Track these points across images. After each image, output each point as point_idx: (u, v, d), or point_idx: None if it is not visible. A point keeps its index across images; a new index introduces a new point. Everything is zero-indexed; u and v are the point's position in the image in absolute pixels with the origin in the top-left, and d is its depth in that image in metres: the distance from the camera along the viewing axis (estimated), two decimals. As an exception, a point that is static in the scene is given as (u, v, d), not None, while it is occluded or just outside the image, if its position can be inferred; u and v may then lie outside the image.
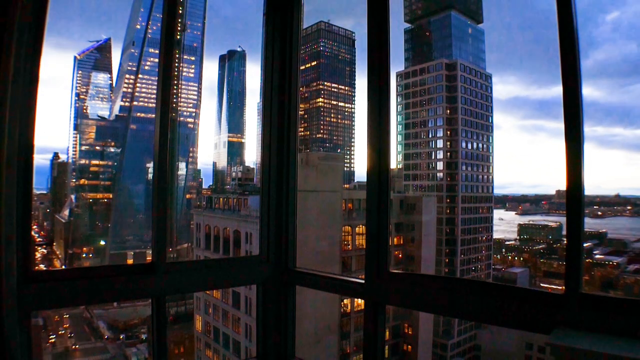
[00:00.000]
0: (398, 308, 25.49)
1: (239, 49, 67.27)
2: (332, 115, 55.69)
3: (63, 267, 45.88)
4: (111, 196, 51.93)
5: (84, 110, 54.69)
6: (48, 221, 53.93)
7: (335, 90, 55.49)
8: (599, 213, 37.77)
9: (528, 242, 38.15)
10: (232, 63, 66.69)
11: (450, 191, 34.82)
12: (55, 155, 54.12)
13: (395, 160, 38.01)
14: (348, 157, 56.00)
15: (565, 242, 2.59)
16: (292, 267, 4.20)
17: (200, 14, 58.24)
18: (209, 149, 67.10)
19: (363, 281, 3.49)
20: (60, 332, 38.34)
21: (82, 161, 52.56)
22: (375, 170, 3.40)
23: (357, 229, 27.66)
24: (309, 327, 22.97)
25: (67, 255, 48.18)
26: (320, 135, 55.24)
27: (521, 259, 37.70)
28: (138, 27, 55.15)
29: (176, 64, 54.52)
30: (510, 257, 38.32)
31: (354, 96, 56.69)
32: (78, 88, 55.19)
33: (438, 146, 36.38)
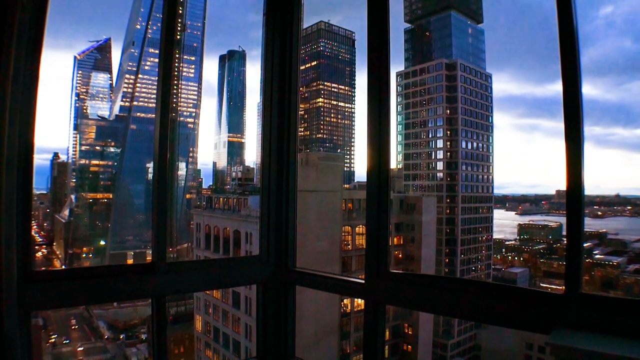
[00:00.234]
0: (398, 308, 25.50)
1: (239, 49, 67.29)
2: (332, 115, 55.68)
3: (63, 267, 45.88)
4: (111, 196, 51.93)
5: (84, 110, 54.70)
6: (48, 221, 53.93)
7: (335, 90, 55.48)
8: (599, 213, 37.77)
9: (528, 242, 38.15)
10: (232, 63, 66.69)
11: (450, 191, 34.81)
12: (55, 155, 54.15)
13: (395, 160, 38.01)
14: (348, 157, 56.00)
15: (565, 242, 2.59)
16: (292, 267, 4.20)
17: (200, 14, 58.26)
18: (209, 149, 67.16)
19: (363, 281, 3.49)
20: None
21: (82, 161, 52.57)
22: (375, 170, 3.41)
23: (357, 229, 27.65)
24: (309, 327, 22.97)
25: (67, 255, 48.17)
26: (320, 135, 55.23)
27: (521, 259, 37.69)
28: (138, 27, 55.16)
29: (176, 64, 54.53)
30: (510, 257, 38.32)
31: (354, 96, 56.70)
32: (78, 88, 55.20)
33: (438, 146, 36.37)
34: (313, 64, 53.55)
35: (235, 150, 65.57)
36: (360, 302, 23.17)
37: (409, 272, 6.90)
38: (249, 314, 26.28)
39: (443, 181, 35.17)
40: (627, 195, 38.82)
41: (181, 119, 55.92)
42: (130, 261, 45.88)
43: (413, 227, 30.61)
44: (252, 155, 65.15)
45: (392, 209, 21.52)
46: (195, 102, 57.86)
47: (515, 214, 42.53)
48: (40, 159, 48.78)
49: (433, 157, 36.39)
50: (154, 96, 49.62)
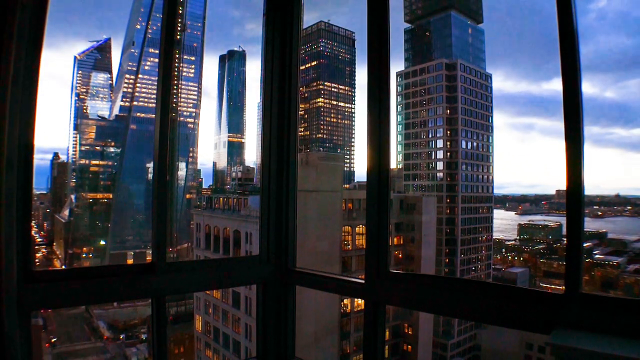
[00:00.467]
0: (398, 308, 25.50)
1: (239, 49, 67.29)
2: (332, 115, 55.66)
3: (63, 267, 45.88)
4: (111, 196, 51.93)
5: (84, 110, 54.70)
6: (48, 221, 53.93)
7: (335, 90, 55.47)
8: (599, 213, 37.76)
9: (528, 242, 38.14)
10: (232, 63, 66.68)
11: (450, 191, 34.81)
12: (55, 155, 54.15)
13: (395, 160, 38.00)
14: (348, 157, 55.98)
15: (565, 242, 2.59)
16: (292, 267, 4.20)
17: (200, 14, 58.25)
18: (209, 149, 67.14)
19: (363, 281, 3.49)
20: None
21: (82, 161, 52.56)
22: (375, 170, 3.41)
23: (357, 229, 27.65)
24: (309, 327, 22.96)
25: (67, 255, 48.18)
26: (320, 135, 55.21)
27: (521, 259, 37.69)
28: (138, 27, 55.15)
29: (176, 64, 54.52)
30: (510, 257, 38.31)
31: (354, 96, 56.68)
32: (78, 88, 55.20)
33: (438, 146, 36.37)
34: (313, 64, 53.54)
35: (235, 150, 65.58)
36: (360, 302, 23.18)
37: (409, 272, 6.90)
38: (249, 314, 26.28)
39: (443, 181, 35.17)
40: (627, 195, 38.81)
41: (181, 119, 55.91)
42: (130, 261, 45.90)
43: (413, 227, 30.61)
44: (252, 155, 65.17)
45: (392, 209, 21.49)
46: (195, 102, 57.87)
47: (515, 214, 42.53)
48: (40, 159, 48.83)
49: (433, 157, 36.39)
50: (154, 96, 49.63)
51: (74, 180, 52.16)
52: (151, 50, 54.26)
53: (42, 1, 2.91)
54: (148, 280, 3.40)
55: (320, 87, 54.73)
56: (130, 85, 55.00)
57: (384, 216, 3.40)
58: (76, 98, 54.76)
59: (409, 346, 30.26)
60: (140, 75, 54.68)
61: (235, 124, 66.56)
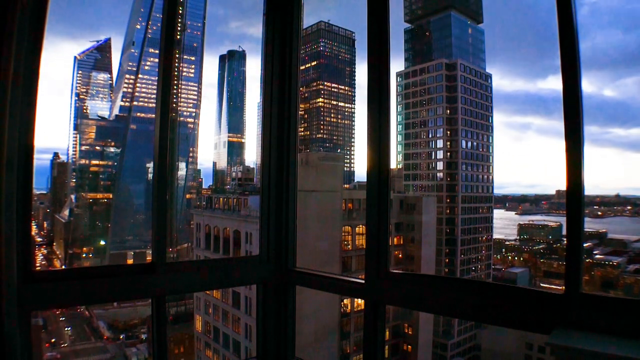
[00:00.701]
0: (398, 308, 25.50)
1: (239, 49, 67.28)
2: (332, 115, 55.64)
3: (63, 267, 45.88)
4: (111, 196, 51.92)
5: (84, 110, 54.69)
6: (48, 221, 53.92)
7: (335, 90, 55.44)
8: (599, 213, 37.74)
9: (528, 242, 38.13)
10: (232, 63, 66.65)
11: (450, 191, 34.80)
12: (55, 155, 54.13)
13: (395, 160, 37.97)
14: (348, 157, 55.96)
15: (565, 242, 2.59)
16: (292, 267, 4.20)
17: (200, 14, 58.24)
18: (209, 149, 67.10)
19: (363, 281, 3.49)
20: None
21: (82, 161, 52.55)
22: (375, 170, 3.41)
23: (357, 229, 27.65)
24: (309, 327, 22.95)
25: (67, 255, 48.17)
26: (320, 135, 55.19)
27: (521, 259, 37.67)
28: (138, 27, 55.14)
29: (176, 64, 54.51)
30: (510, 257, 38.30)
31: (354, 96, 56.65)
32: (78, 88, 55.19)
33: (438, 146, 36.36)
34: (313, 64, 53.52)
35: (235, 150, 65.56)
36: (360, 302, 23.17)
37: (409, 272, 6.90)
38: (249, 314, 26.27)
39: (443, 181, 35.15)
40: (627, 195, 38.78)
41: (181, 119, 55.90)
42: (130, 261, 45.89)
43: (413, 227, 30.60)
44: (252, 155, 65.12)
45: (392, 209, 21.51)
46: (195, 102, 57.86)
47: (515, 214, 42.52)
48: (40, 159, 48.79)
49: (433, 157, 36.37)
50: (154, 96, 49.64)
51: (74, 180, 52.15)
52: (151, 50, 54.24)
53: (42, 1, 2.91)
54: (148, 280, 3.40)
55: (320, 87, 54.71)
56: (130, 85, 55.00)
57: (384, 216, 3.40)
58: (76, 98, 54.77)
59: (409, 346, 30.25)
60: (140, 75, 54.67)
61: (235, 124, 66.55)
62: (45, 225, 54.04)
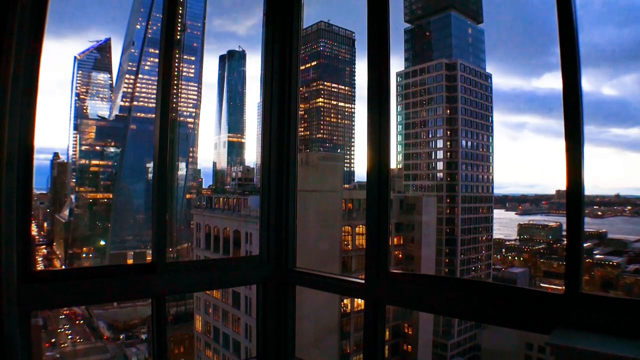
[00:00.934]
0: (398, 308, 25.50)
1: (239, 49, 67.26)
2: (332, 115, 55.60)
3: (63, 267, 45.88)
4: (111, 196, 51.91)
5: (84, 110, 54.66)
6: (48, 221, 53.91)
7: (335, 90, 55.41)
8: (599, 213, 37.72)
9: (528, 242, 38.12)
10: (232, 63, 66.61)
11: (450, 191, 34.79)
12: (55, 155, 54.08)
13: (395, 160, 37.95)
14: (348, 157, 55.92)
15: (565, 242, 2.59)
16: (292, 267, 4.20)
17: (200, 14, 58.22)
18: (209, 149, 67.00)
19: (363, 281, 3.49)
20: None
21: (82, 161, 52.52)
22: (375, 170, 3.41)
23: (357, 229, 27.64)
24: (309, 327, 22.96)
25: (67, 255, 48.16)
26: (320, 135, 55.15)
27: (521, 259, 37.66)
28: (138, 27, 55.12)
29: (176, 64, 54.50)
30: (510, 257, 38.29)
31: (354, 96, 56.60)
32: (78, 88, 55.16)
33: (438, 146, 36.35)
34: (313, 64, 53.48)
35: (235, 150, 65.50)
36: (360, 302, 23.16)
37: (409, 272, 6.91)
38: (249, 314, 26.27)
39: (443, 181, 35.15)
40: (627, 195, 38.76)
41: (181, 119, 55.86)
42: (130, 261, 45.89)
43: (413, 227, 30.60)
44: (252, 155, 65.03)
45: (392, 209, 21.52)
46: (195, 102, 57.82)
47: (515, 214, 42.52)
48: (40, 159, 48.72)
49: (433, 157, 36.37)
50: (154, 96, 49.63)
51: (74, 180, 52.13)
52: (151, 50, 54.21)
53: (42, 1, 2.91)
54: (148, 280, 3.40)
55: (320, 87, 54.68)
56: (130, 85, 54.97)
57: (384, 216, 3.40)
58: (76, 98, 54.73)
59: (409, 346, 30.25)
60: (140, 75, 54.65)
61: (235, 124, 66.51)
62: (45, 225, 54.02)
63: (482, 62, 38.52)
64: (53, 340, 37.48)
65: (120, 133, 53.75)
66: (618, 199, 38.56)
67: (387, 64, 3.47)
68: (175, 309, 36.34)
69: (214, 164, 64.48)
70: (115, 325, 39.75)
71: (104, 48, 57.89)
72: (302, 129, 53.60)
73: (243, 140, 66.48)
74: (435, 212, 32.90)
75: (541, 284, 33.57)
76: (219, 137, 66.35)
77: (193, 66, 57.87)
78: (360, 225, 27.11)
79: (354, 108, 56.90)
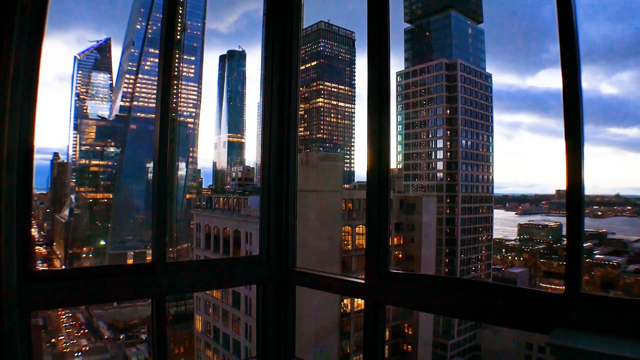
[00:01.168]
0: (398, 308, 25.50)
1: (239, 49, 67.29)
2: (332, 115, 55.65)
3: (63, 267, 45.88)
4: (111, 196, 51.93)
5: (84, 110, 54.70)
6: (48, 221, 53.92)
7: (335, 90, 55.46)
8: (599, 213, 37.74)
9: (528, 242, 38.13)
10: (232, 63, 66.67)
11: (450, 191, 34.81)
12: (55, 155, 54.13)
13: (395, 160, 37.99)
14: (348, 157, 55.96)
15: (565, 242, 2.59)
16: (292, 267, 4.19)
17: (200, 14, 58.24)
18: (209, 149, 67.10)
19: (363, 281, 3.49)
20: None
21: (82, 161, 52.56)
22: (375, 170, 3.40)
23: (357, 229, 27.65)
24: (309, 327, 22.96)
25: (67, 255, 48.18)
26: (320, 135, 55.20)
27: (521, 259, 37.68)
28: (138, 27, 55.15)
29: (176, 64, 54.50)
30: (510, 257, 38.31)
31: (354, 96, 56.67)
32: (78, 88, 55.21)
33: (438, 146, 36.38)
34: (313, 64, 53.52)
35: (235, 150, 65.56)
36: (360, 302, 23.17)
37: (409, 272, 6.90)
38: (249, 314, 26.28)
39: (443, 181, 35.17)
40: (627, 195, 38.77)
41: (181, 119, 55.89)
42: (130, 261, 45.90)
43: (413, 227, 30.60)
44: (252, 155, 65.12)
45: (392, 209, 21.52)
46: (195, 102, 57.85)
47: (515, 214, 42.53)
48: (40, 159, 48.79)
49: (433, 157, 36.39)
50: (154, 96, 49.61)
51: (74, 180, 52.15)
52: (151, 50, 54.25)
53: (42, 1, 2.91)
54: (148, 280, 3.40)
55: (320, 87, 54.71)
56: (130, 85, 55.00)
57: (384, 216, 3.40)
58: (76, 98, 54.78)
59: (409, 346, 30.25)
60: (140, 75, 54.68)
61: (235, 124, 66.56)
62: (45, 225, 54.05)
63: (482, 62, 38.55)
64: (53, 340, 37.50)
65: (120, 133, 53.79)
66: (618, 199, 38.57)
67: (387, 64, 3.46)
68: (175, 309, 36.35)
69: (214, 164, 64.55)
70: (115, 325, 39.77)
71: (104, 48, 57.95)
72: (302, 129, 53.62)
73: (243, 140, 66.56)
74: (435, 212, 32.91)
75: (541, 284, 33.59)
76: (219, 137, 66.41)
77: (193, 66, 57.90)
78: (360, 225, 27.11)
79: (354, 108, 56.97)
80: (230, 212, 29.12)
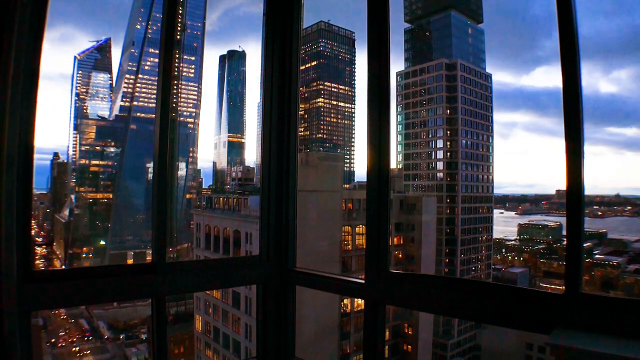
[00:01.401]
0: (398, 308, 25.50)
1: (239, 49, 67.27)
2: (332, 115, 55.61)
3: (63, 267, 45.88)
4: (111, 196, 51.91)
5: (84, 110, 54.66)
6: (48, 221, 53.91)
7: (335, 90, 55.41)
8: (599, 213, 37.71)
9: (528, 242, 38.12)
10: (232, 63, 66.62)
11: (450, 191, 34.80)
12: (55, 155, 54.09)
13: (395, 160, 37.96)
14: (348, 157, 55.92)
15: (565, 242, 2.59)
16: (292, 267, 4.20)
17: (200, 14, 58.22)
18: (209, 149, 67.01)
19: (363, 281, 3.49)
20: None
21: (82, 161, 52.53)
22: (375, 170, 3.41)
23: (357, 229, 27.64)
24: (309, 327, 22.95)
25: (67, 255, 48.16)
26: (320, 135, 55.16)
27: (521, 259, 37.67)
28: (138, 27, 55.12)
29: (176, 64, 54.48)
30: (510, 257, 38.30)
31: (354, 96, 56.60)
32: (78, 88, 55.16)
33: (438, 146, 36.36)
34: (313, 64, 53.48)
35: (235, 150, 65.51)
36: (360, 302, 23.16)
37: (409, 272, 6.90)
38: (249, 314, 26.27)
39: (443, 181, 35.16)
40: (627, 195, 38.74)
41: (181, 119, 55.86)
42: (130, 261, 45.89)
43: (413, 227, 30.59)
44: (252, 155, 65.04)
45: (392, 209, 21.52)
46: (195, 102, 57.82)
47: (515, 214, 42.52)
48: (40, 159, 48.73)
49: (433, 157, 36.38)
50: (154, 96, 49.64)
51: (74, 180, 52.13)
52: (151, 50, 54.20)
53: (42, 1, 2.91)
54: (148, 280, 3.40)
55: (320, 87, 54.68)
56: (130, 85, 54.98)
57: (384, 216, 3.40)
58: (76, 98, 54.73)
59: (409, 346, 30.25)
60: (140, 75, 54.65)
61: (235, 124, 66.50)
62: (45, 225, 54.03)
63: (482, 62, 38.53)
64: (53, 340, 37.49)
65: (120, 133, 53.76)
66: (618, 199, 38.55)
67: (387, 64, 3.46)
68: (175, 309, 36.34)
69: (214, 164, 64.50)
70: (115, 325, 39.75)
71: (104, 48, 57.90)
72: (302, 129, 53.59)
73: (243, 140, 66.50)
74: (435, 212, 32.90)
75: (541, 284, 33.57)
76: (219, 137, 66.36)
77: (193, 66, 57.87)
78: (360, 225, 27.11)
79: (354, 108, 56.90)
80: (230, 212, 29.12)
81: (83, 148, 52.91)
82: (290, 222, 4.23)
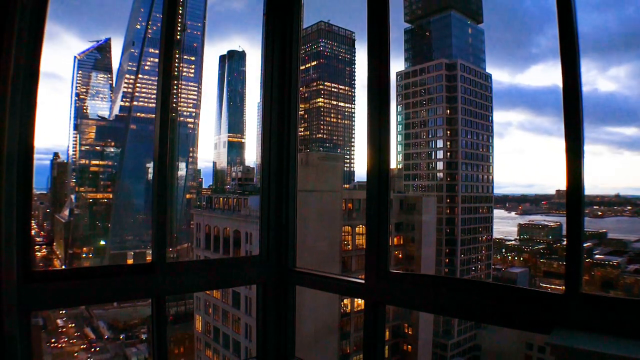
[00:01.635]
0: (398, 308, 25.50)
1: (239, 49, 67.28)
2: (332, 115, 55.62)
3: (63, 267, 45.87)
4: (111, 196, 51.92)
5: (84, 110, 54.67)
6: (48, 221, 53.91)
7: (335, 90, 55.43)
8: (599, 213, 37.72)
9: (528, 242, 38.12)
10: (232, 63, 66.64)
11: (450, 191, 34.80)
12: (55, 155, 54.09)
13: (395, 160, 37.98)
14: (348, 157, 55.94)
15: (565, 242, 2.59)
16: (292, 267, 4.19)
17: (200, 14, 58.23)
18: (209, 149, 67.04)
19: (363, 281, 3.49)
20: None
21: (82, 161, 52.54)
22: (375, 170, 3.41)
23: (357, 229, 27.64)
24: (309, 327, 22.96)
25: (67, 255, 48.16)
26: (320, 135, 55.18)
27: (521, 259, 37.67)
28: (138, 27, 55.13)
29: (176, 64, 54.49)
30: (510, 257, 38.30)
31: (354, 96, 56.63)
32: (78, 88, 55.17)
33: (438, 146, 36.37)
34: (313, 64, 53.50)
35: (235, 150, 65.53)
36: (360, 302, 23.16)
37: (409, 272, 6.90)
38: (249, 314, 26.27)
39: (443, 181, 35.16)
40: (627, 195, 38.74)
41: (181, 119, 55.88)
42: (130, 261, 45.90)
43: (413, 227, 30.60)
44: (252, 155, 65.07)
45: (392, 209, 21.52)
46: (195, 102, 57.84)
47: (516, 213, 42.51)
48: (40, 159, 48.76)
49: (433, 157, 36.38)
50: (154, 96, 49.65)
51: (74, 180, 52.14)
52: (151, 50, 54.22)
53: (42, 1, 2.91)
54: (148, 280, 3.40)
55: (320, 87, 54.69)
56: (130, 85, 54.98)
57: (384, 216, 3.40)
58: (76, 98, 54.74)
59: (409, 346, 30.25)
60: (140, 75, 54.66)
61: (235, 124, 66.52)
62: (45, 225, 54.03)
63: (482, 62, 38.53)
64: (53, 340, 37.50)
65: (120, 133, 53.76)
66: (618, 199, 38.55)
67: (387, 64, 3.46)
68: (175, 309, 36.35)
69: (214, 164, 64.53)
70: (115, 325, 39.76)
71: (104, 48, 57.90)
72: (302, 129, 53.61)
73: (243, 140, 66.53)
74: (435, 212, 32.91)
75: (541, 284, 33.58)
76: (219, 137, 66.38)
77: (193, 66, 57.89)
78: (360, 225, 27.11)
79: (354, 108, 56.93)
80: (230, 212, 29.11)
81: (83, 148, 52.92)
82: (290, 222, 4.23)
